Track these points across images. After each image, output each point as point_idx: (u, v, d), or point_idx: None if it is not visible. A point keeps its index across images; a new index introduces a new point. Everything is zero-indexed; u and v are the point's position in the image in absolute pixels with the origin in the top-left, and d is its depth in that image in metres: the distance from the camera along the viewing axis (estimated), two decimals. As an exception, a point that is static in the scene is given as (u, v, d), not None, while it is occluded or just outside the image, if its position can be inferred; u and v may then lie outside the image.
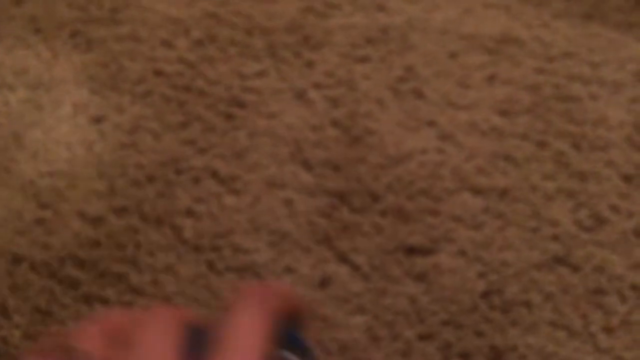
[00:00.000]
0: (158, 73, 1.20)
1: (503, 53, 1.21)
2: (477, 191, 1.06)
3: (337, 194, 1.07)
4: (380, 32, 1.25)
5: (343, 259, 1.00)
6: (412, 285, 0.97)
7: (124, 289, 0.97)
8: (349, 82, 1.19)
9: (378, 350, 0.92)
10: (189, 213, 1.05)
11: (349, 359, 0.91)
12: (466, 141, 1.11)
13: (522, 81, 1.18)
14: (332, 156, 1.11)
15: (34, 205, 1.05)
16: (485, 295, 0.96)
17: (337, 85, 1.19)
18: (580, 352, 0.91)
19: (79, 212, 1.04)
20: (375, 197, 1.06)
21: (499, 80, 1.18)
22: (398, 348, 0.92)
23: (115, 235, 1.02)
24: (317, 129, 1.14)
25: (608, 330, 0.92)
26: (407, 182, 1.07)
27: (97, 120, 1.15)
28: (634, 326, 0.92)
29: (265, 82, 1.19)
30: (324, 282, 0.98)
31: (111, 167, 1.10)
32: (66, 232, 1.02)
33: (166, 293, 0.97)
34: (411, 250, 1.00)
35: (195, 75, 1.20)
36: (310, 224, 1.04)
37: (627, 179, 1.06)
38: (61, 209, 1.05)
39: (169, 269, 0.99)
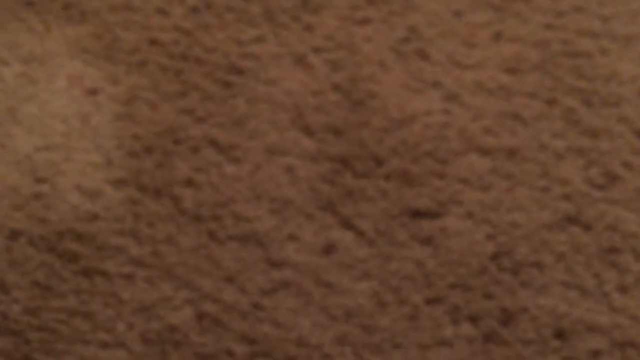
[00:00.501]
0: (153, 42, 1.17)
1: (509, 9, 1.17)
2: (484, 152, 1.02)
3: (339, 159, 1.04)
4: (381, -7, 1.21)
5: (347, 224, 0.97)
6: (418, 249, 0.94)
7: (124, 262, 0.95)
8: (350, 45, 1.15)
9: (385, 315, 0.89)
10: (189, 183, 1.02)
11: (355, 326, 0.89)
12: (472, 101, 1.08)
13: (529, 38, 1.14)
14: (333, 121, 1.08)
15: (30, 180, 1.03)
16: (495, 257, 0.93)
17: (338, 48, 1.15)
18: (593, 312, 0.87)
19: (76, 185, 1.02)
20: (379, 161, 1.03)
21: (506, 38, 1.14)
22: (405, 313, 0.89)
23: (113, 207, 1.00)
24: (318, 94, 1.11)
25: (622, 289, 0.89)
26: (412, 144, 1.04)
27: (92, 92, 1.13)
28: (650, 285, 0.89)
29: (264, 47, 1.16)
30: (328, 249, 0.96)
31: (108, 139, 1.07)
32: (64, 206, 1.00)
33: (167, 264, 0.95)
34: (417, 214, 0.97)
35: (191, 43, 1.17)
36: (313, 190, 1.01)
37: (639, 134, 1.02)
38: (58, 182, 1.03)
39: (170, 240, 0.97)
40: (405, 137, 1.05)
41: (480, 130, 1.04)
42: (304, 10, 1.20)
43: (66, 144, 1.06)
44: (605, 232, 0.94)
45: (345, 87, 1.11)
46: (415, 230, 0.96)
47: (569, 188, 0.98)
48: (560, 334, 0.86)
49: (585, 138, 1.02)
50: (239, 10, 1.21)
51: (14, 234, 0.98)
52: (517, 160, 1.01)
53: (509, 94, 1.08)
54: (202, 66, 1.15)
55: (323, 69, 1.14)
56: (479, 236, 0.95)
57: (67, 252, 0.96)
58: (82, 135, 1.07)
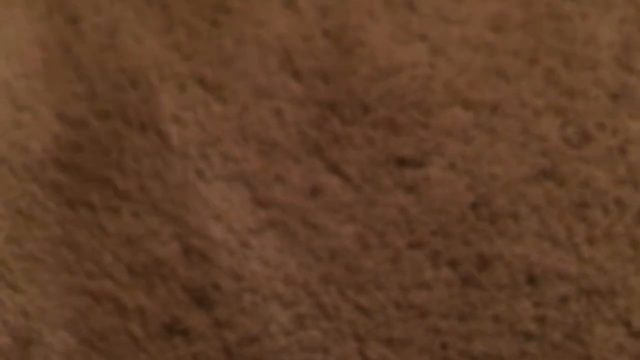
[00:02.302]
0: (139, -27, 1.14)
1: (496, -32, 1.19)
2: (467, 106, 1.05)
3: (327, 105, 1.05)
4: (371, -59, 1.21)
5: (334, 169, 0.99)
6: (402, 196, 0.98)
7: (110, 194, 0.95)
8: (339, -8, 1.15)
9: (368, 258, 0.93)
10: (175, 120, 1.02)
11: (340, 266, 0.92)
12: (458, 56, 1.10)
13: (513, -2, 1.16)
14: (322, 67, 1.08)
15: (10, 108, 1.00)
16: (474, 206, 0.97)
17: (327, -6, 1.15)
18: (564, 262, 0.93)
19: (58, 114, 1.00)
20: (366, 108, 1.05)
21: (491, -4, 1.16)
22: (388, 256, 0.93)
23: (98, 139, 0.98)
24: (307, 39, 1.11)
25: (591, 241, 0.95)
26: (398, 94, 1.06)
27: (74, 20, 1.09)
28: (615, 238, 0.95)
29: (253, -12, 1.14)
30: (315, 192, 0.98)
31: (90, 70, 1.05)
32: (46, 135, 0.98)
33: (153, 199, 0.95)
34: (402, 162, 1.00)
35: (178, -23, 1.14)
36: (301, 134, 1.02)
37: (613, 97, 1.07)
38: (40, 111, 1.00)
39: (156, 176, 0.97)
40: (392, 86, 1.07)
41: (465, 84, 1.07)
42: (294, -47, 1.18)
43: (47, 72, 1.03)
44: (578, 187, 0.99)
45: (334, 33, 1.11)
46: (400, 177, 0.99)
47: (546, 144, 1.02)
48: (532, 280, 0.92)
49: (563, 98, 1.06)
50: (227, -53, 1.18)
51: (-6, 162, 0.96)
52: (499, 116, 1.05)
53: (493, 51, 1.11)
54: (189, 2, 1.12)
55: (312, 13, 1.13)
56: (459, 186, 0.99)
57: (51, 182, 0.94)
58: (63, 64, 1.04)
